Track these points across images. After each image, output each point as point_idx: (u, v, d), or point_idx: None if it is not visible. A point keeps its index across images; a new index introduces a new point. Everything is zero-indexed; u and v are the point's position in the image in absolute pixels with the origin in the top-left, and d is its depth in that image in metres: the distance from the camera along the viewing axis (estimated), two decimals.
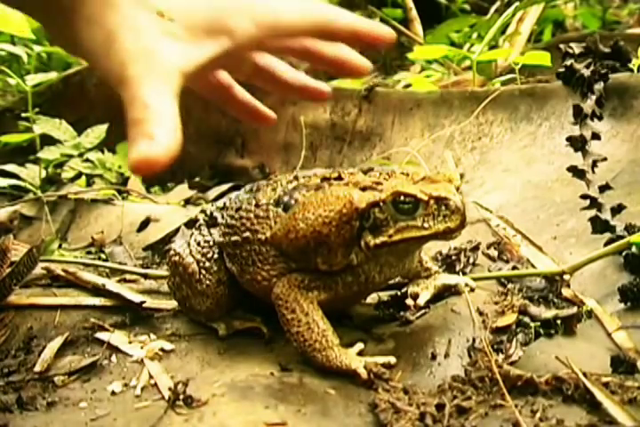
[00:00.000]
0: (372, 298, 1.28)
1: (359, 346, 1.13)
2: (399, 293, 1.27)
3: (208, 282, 1.19)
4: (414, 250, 1.15)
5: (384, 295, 1.30)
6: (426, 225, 1.05)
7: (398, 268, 1.14)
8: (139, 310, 1.28)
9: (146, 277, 1.43)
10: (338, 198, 1.07)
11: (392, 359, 1.10)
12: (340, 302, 1.15)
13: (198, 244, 1.22)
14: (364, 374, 1.06)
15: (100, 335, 1.23)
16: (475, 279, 1.29)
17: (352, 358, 1.08)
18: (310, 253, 1.08)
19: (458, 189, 1.07)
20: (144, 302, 1.27)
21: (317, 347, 1.07)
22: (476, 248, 1.44)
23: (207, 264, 1.20)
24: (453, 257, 1.41)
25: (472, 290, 1.24)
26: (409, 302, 1.22)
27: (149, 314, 1.28)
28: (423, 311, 1.22)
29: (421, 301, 1.21)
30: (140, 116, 0.94)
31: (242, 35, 1.04)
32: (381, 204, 1.05)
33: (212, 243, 1.21)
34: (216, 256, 1.20)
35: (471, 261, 1.42)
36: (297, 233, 1.08)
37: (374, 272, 1.11)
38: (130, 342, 1.21)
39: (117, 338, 1.22)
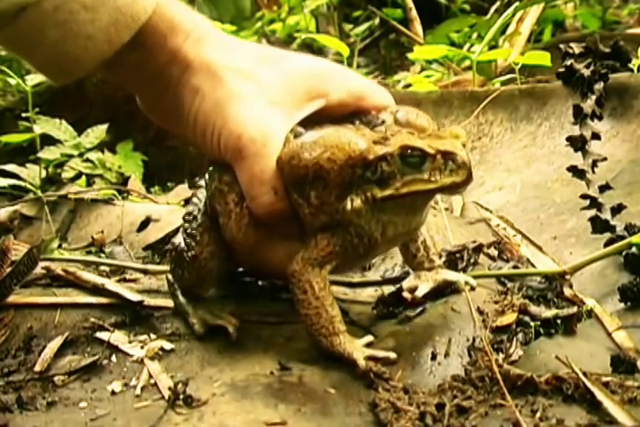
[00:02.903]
0: (371, 296, 1.28)
1: (368, 338, 1.14)
2: (397, 289, 1.27)
3: (195, 252, 1.19)
4: (419, 207, 1.13)
5: (385, 289, 1.30)
6: (433, 179, 1.05)
7: (401, 229, 1.13)
8: (138, 310, 1.28)
9: (146, 272, 1.43)
10: (349, 143, 1.07)
11: (392, 355, 1.10)
12: (346, 267, 1.16)
13: (184, 219, 1.22)
14: (362, 365, 1.06)
15: (100, 335, 1.23)
16: (475, 277, 1.28)
17: (355, 347, 1.09)
18: (306, 184, 1.08)
19: (464, 145, 1.08)
20: (142, 301, 1.27)
21: (323, 332, 1.08)
22: (478, 248, 1.44)
23: (194, 233, 1.19)
24: (457, 255, 1.40)
25: (473, 289, 1.24)
26: (406, 294, 1.22)
27: (149, 313, 1.28)
28: (422, 308, 1.22)
29: (420, 293, 1.21)
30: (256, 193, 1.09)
31: (335, 98, 1.14)
32: (389, 157, 1.05)
33: (197, 212, 1.21)
34: (202, 226, 1.20)
35: (472, 260, 1.42)
36: (300, 161, 1.08)
37: (377, 233, 1.10)
38: (130, 342, 1.21)
39: (117, 338, 1.21)
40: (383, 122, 1.11)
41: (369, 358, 1.08)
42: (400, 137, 1.07)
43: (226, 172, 1.15)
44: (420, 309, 1.22)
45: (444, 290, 1.24)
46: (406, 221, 1.12)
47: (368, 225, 1.09)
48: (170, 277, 1.26)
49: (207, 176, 1.21)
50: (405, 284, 1.25)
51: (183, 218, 1.24)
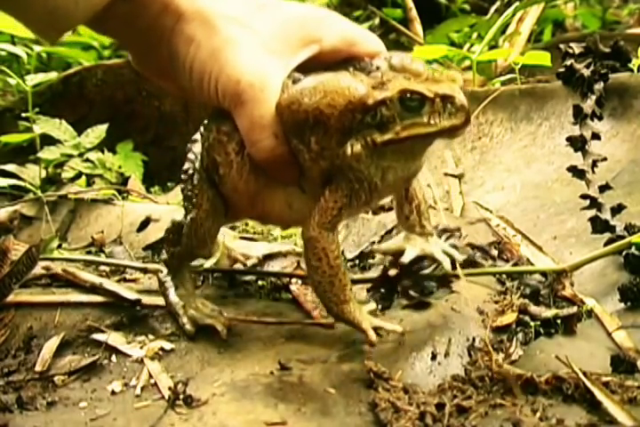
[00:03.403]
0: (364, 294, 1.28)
1: (372, 306, 1.17)
2: (388, 268, 1.28)
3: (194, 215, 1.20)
4: (418, 152, 1.14)
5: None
6: (432, 122, 1.05)
7: (400, 173, 1.13)
8: (138, 310, 1.28)
9: (145, 272, 1.43)
10: (348, 88, 1.07)
11: (399, 328, 1.13)
12: (350, 216, 1.18)
13: (181, 178, 1.23)
14: (372, 335, 1.09)
15: (100, 336, 1.22)
16: (475, 275, 1.29)
17: (365, 317, 1.11)
18: (307, 129, 1.08)
19: (461, 88, 1.08)
20: (140, 300, 1.27)
21: (334, 300, 1.10)
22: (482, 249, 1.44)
23: (189, 194, 1.21)
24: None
25: (456, 277, 1.25)
26: (392, 272, 1.24)
27: (149, 313, 1.28)
28: (417, 297, 1.23)
29: (406, 259, 1.22)
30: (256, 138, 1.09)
31: (328, 44, 1.14)
32: (388, 101, 1.05)
33: (192, 170, 1.22)
34: (198, 185, 1.20)
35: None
36: (300, 106, 1.08)
37: (377, 178, 1.10)
38: (129, 342, 1.21)
39: (117, 338, 1.21)
40: (378, 68, 1.10)
41: (376, 328, 1.11)
42: (398, 81, 1.07)
43: (223, 122, 1.15)
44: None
45: (433, 261, 1.26)
46: (405, 167, 1.13)
47: (368, 170, 1.09)
48: (161, 275, 1.27)
49: (202, 129, 1.21)
50: (394, 244, 1.26)
51: (180, 177, 1.24)
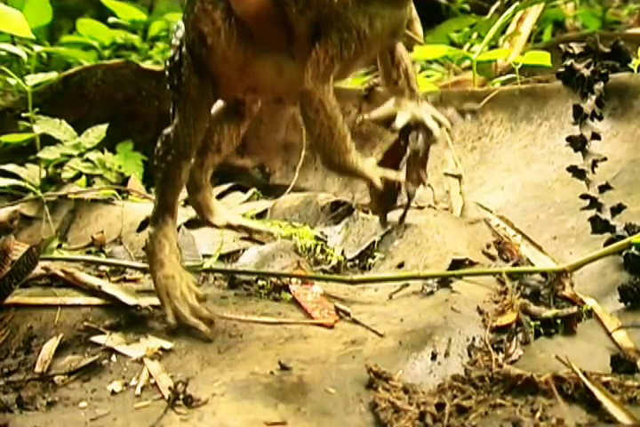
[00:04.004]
0: (370, 296, 1.28)
1: (372, 160, 1.16)
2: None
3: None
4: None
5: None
6: None
7: (388, 21, 1.13)
8: (138, 309, 1.28)
9: (145, 271, 1.43)
10: None
11: (401, 177, 1.15)
12: (345, 71, 1.17)
13: (167, 68, 1.23)
14: (377, 181, 1.10)
15: (97, 339, 1.22)
16: (476, 275, 1.29)
17: (369, 165, 1.12)
18: None
19: None
20: (137, 305, 1.27)
21: (336, 150, 1.11)
22: None
23: (176, 84, 1.21)
24: None
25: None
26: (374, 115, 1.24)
27: (149, 313, 1.28)
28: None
29: (398, 124, 1.23)
30: None
31: None
32: None
33: (178, 57, 1.21)
34: (183, 75, 1.20)
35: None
36: None
37: (364, 25, 1.10)
38: (129, 342, 1.21)
39: (117, 338, 1.21)
40: None
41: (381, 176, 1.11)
42: None
43: None
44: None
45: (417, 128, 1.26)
46: (392, 14, 1.12)
47: (355, 18, 1.09)
48: (148, 243, 1.26)
49: (186, 3, 1.20)
50: (385, 110, 1.26)
51: (166, 67, 1.24)
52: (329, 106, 1.10)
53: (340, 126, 1.11)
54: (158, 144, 1.26)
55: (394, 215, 1.50)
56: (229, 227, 1.44)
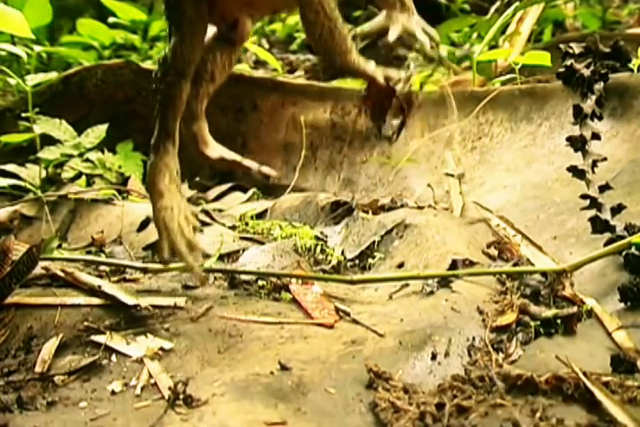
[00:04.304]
0: (370, 296, 1.28)
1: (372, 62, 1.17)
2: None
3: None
4: None
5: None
6: None
7: None
8: (138, 309, 1.28)
9: (146, 271, 1.43)
10: None
11: (403, 75, 1.15)
12: None
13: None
14: (380, 78, 1.11)
15: (99, 335, 1.22)
16: (476, 275, 1.29)
17: (371, 64, 1.13)
18: None
19: None
20: (137, 305, 1.27)
21: (338, 50, 1.12)
22: None
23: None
24: None
25: (441, 63, 1.27)
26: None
27: (149, 313, 1.28)
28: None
29: (391, 37, 1.23)
30: None
31: None
32: None
33: None
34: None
35: None
36: None
37: None
38: (129, 342, 1.21)
39: (117, 338, 1.21)
40: None
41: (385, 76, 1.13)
42: None
43: None
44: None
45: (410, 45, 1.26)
46: None
47: None
48: (148, 172, 1.25)
49: None
50: (376, 24, 1.26)
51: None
52: (328, 7, 1.10)
53: (341, 27, 1.11)
54: (157, 67, 1.25)
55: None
56: (222, 160, 1.42)
